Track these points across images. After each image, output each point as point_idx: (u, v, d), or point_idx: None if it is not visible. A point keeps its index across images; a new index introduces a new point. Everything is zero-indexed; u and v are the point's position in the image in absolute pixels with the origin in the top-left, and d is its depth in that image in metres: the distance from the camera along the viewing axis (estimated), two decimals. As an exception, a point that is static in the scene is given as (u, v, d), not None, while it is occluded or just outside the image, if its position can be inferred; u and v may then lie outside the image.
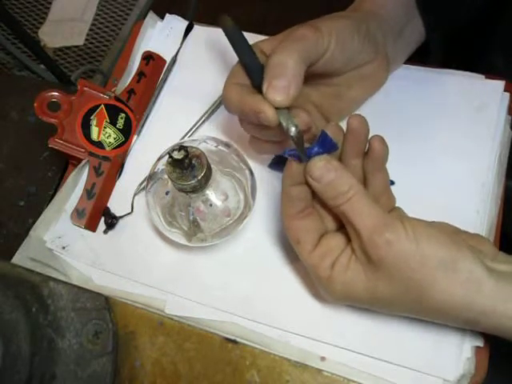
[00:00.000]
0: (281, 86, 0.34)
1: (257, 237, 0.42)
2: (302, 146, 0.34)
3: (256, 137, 0.40)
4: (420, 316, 0.34)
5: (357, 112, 0.44)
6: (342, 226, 0.35)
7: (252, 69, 0.37)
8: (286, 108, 0.35)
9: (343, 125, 0.35)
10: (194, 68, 0.50)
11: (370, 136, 0.35)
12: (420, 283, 0.31)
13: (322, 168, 0.33)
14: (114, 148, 0.45)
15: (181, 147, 0.34)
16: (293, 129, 0.34)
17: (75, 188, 0.45)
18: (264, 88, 0.35)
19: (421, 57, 0.46)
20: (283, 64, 0.34)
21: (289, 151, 0.34)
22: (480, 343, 0.36)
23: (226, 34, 0.37)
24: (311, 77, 0.40)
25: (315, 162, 0.33)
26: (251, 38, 0.40)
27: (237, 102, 0.37)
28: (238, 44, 0.37)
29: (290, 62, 0.34)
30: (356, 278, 0.32)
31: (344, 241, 0.34)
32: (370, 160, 0.35)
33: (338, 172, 0.33)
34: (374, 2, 0.42)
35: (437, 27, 0.44)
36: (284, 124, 0.34)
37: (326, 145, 0.34)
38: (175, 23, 0.52)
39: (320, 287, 0.36)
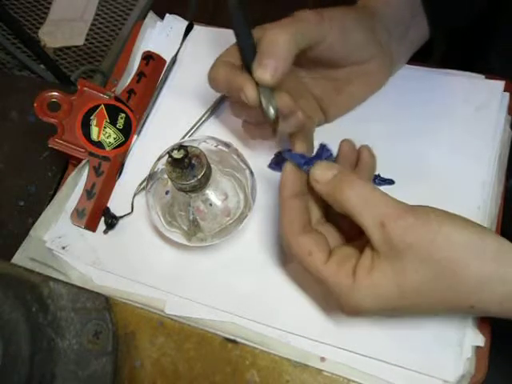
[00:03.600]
0: (269, 65, 0.34)
1: (257, 237, 0.42)
2: (276, 129, 0.35)
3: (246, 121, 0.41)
4: (451, 305, 0.32)
5: (356, 111, 0.44)
6: (348, 241, 0.35)
7: (245, 47, 0.37)
8: (269, 89, 0.35)
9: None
10: (194, 68, 0.50)
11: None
12: (453, 263, 0.30)
13: (323, 168, 0.33)
14: (114, 148, 0.45)
15: (180, 147, 0.34)
16: (271, 110, 0.35)
17: (75, 188, 0.45)
18: (254, 65, 0.35)
19: (421, 56, 0.46)
20: (274, 42, 0.34)
21: (288, 153, 0.34)
22: (480, 343, 0.36)
23: (229, 8, 0.36)
24: (313, 66, 0.40)
25: (316, 165, 0.34)
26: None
27: (223, 79, 0.37)
28: (237, 21, 0.36)
29: (280, 41, 0.34)
30: (383, 276, 0.31)
31: (357, 250, 0.33)
32: (360, 171, 0.36)
33: (340, 169, 0.33)
34: (380, 0, 0.42)
35: (441, 27, 0.43)
36: (264, 104, 0.35)
37: (325, 155, 0.35)
38: (175, 23, 0.52)
39: (341, 298, 0.32)
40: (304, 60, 0.39)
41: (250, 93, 0.35)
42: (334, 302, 0.34)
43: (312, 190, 0.34)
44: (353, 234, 0.35)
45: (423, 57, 0.46)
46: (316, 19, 0.36)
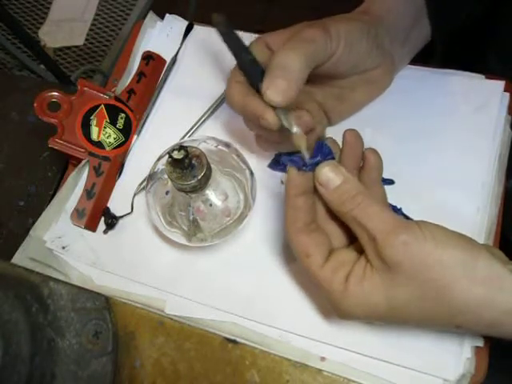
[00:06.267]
0: (281, 88, 0.34)
1: (257, 237, 0.42)
2: (305, 145, 0.34)
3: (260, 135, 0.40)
4: (438, 323, 0.32)
5: (356, 115, 0.44)
6: (349, 243, 0.35)
7: (246, 67, 0.36)
8: (285, 109, 0.35)
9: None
10: (194, 68, 0.50)
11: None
12: (440, 284, 0.30)
13: (329, 173, 0.33)
14: (114, 148, 0.45)
15: (181, 147, 0.34)
16: (295, 129, 0.34)
17: (75, 188, 0.45)
18: (264, 87, 0.34)
19: (422, 57, 0.46)
20: (288, 66, 0.34)
21: (287, 158, 0.34)
22: (480, 343, 0.36)
23: (219, 33, 0.36)
24: (317, 79, 0.40)
25: (321, 168, 0.33)
26: (251, 37, 0.40)
27: (239, 103, 0.37)
28: (231, 42, 0.36)
29: (294, 65, 0.34)
30: (373, 288, 0.31)
31: (355, 254, 0.34)
32: (366, 172, 0.36)
33: (345, 177, 0.33)
34: (383, 5, 0.41)
35: (443, 28, 0.43)
36: (286, 124, 0.34)
37: (324, 153, 0.34)
38: (175, 23, 0.52)
39: (333, 303, 0.33)
40: (309, 75, 0.38)
41: (271, 119, 0.35)
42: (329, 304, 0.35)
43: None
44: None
45: (424, 58, 0.46)
46: (323, 38, 0.35)
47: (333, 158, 0.34)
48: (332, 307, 0.34)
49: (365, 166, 0.36)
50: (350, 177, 0.33)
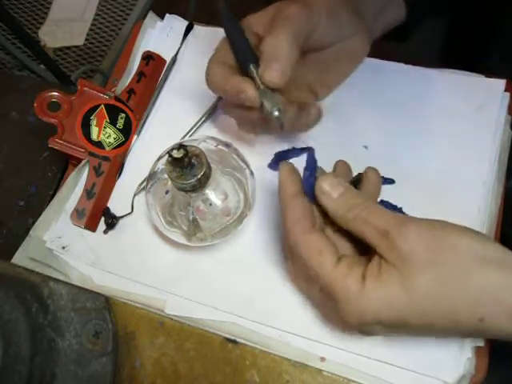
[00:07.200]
0: (277, 68, 0.35)
1: (257, 236, 0.42)
2: (282, 129, 0.36)
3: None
4: (462, 319, 0.30)
5: (357, 111, 0.44)
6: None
7: (239, 48, 0.37)
8: (270, 90, 0.36)
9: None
10: (194, 68, 0.50)
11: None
12: (456, 270, 0.30)
13: (331, 182, 0.33)
14: (114, 148, 0.45)
15: (180, 146, 0.34)
16: (276, 112, 0.35)
17: (75, 188, 0.45)
18: (261, 70, 0.36)
19: (421, 56, 0.46)
20: (278, 47, 0.35)
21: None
22: (481, 343, 0.36)
23: (220, 15, 0.38)
24: (303, 54, 0.40)
25: (323, 180, 0.34)
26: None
27: (219, 81, 0.38)
28: (229, 23, 0.38)
29: (284, 45, 0.35)
30: (391, 280, 0.30)
31: (364, 258, 0.33)
32: (366, 191, 0.36)
33: (346, 186, 0.34)
34: None
35: (417, 7, 0.43)
36: (267, 105, 0.35)
37: (311, 167, 0.36)
38: (175, 23, 0.52)
39: (347, 305, 0.31)
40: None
41: (251, 94, 0.35)
42: (334, 316, 0.33)
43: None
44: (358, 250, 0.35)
45: (424, 58, 0.46)
46: (305, 11, 0.36)
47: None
48: (342, 314, 0.32)
49: (365, 184, 0.36)
50: (349, 185, 0.34)
